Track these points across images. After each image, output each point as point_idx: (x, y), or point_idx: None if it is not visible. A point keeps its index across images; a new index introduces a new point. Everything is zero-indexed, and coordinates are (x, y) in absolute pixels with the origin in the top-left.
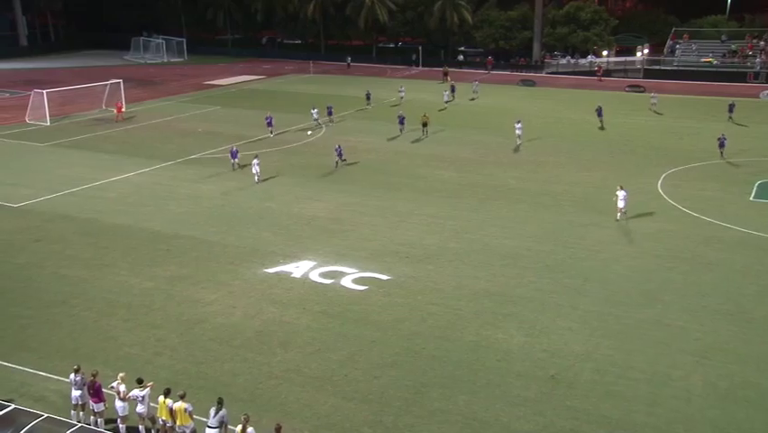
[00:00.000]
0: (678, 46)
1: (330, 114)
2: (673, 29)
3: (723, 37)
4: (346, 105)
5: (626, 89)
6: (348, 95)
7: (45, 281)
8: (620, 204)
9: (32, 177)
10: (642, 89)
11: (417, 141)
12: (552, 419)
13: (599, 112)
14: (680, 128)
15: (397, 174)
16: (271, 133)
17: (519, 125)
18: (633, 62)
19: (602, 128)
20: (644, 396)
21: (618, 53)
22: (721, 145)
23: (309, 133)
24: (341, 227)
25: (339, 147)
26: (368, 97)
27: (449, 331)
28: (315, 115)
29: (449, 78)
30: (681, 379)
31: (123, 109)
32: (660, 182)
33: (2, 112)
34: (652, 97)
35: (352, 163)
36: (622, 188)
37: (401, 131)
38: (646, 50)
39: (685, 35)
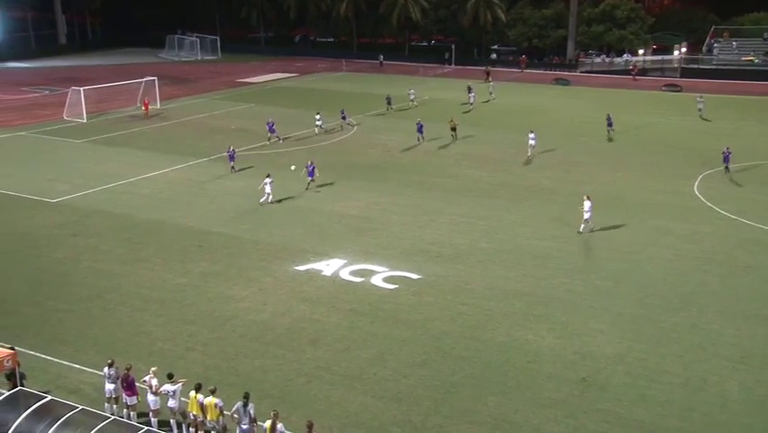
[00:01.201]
0: (717, 44)
1: (344, 117)
2: (713, 27)
3: (766, 35)
4: (378, 105)
5: (663, 89)
6: (380, 93)
7: (81, 276)
8: (585, 215)
9: (69, 173)
10: (679, 89)
11: (449, 141)
12: (582, 422)
13: (609, 121)
14: (717, 129)
15: (428, 173)
16: (271, 138)
17: (533, 136)
18: (670, 61)
19: (611, 140)
20: (678, 401)
21: (655, 52)
22: (725, 160)
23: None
24: (371, 226)
25: (311, 164)
26: (388, 102)
27: (479, 331)
28: (318, 121)
29: (491, 78)
30: (717, 384)
31: (150, 107)
32: (696, 183)
33: (41, 109)
34: (698, 101)
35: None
36: (588, 199)
37: (419, 140)
38: (684, 49)
39: (725, 33)
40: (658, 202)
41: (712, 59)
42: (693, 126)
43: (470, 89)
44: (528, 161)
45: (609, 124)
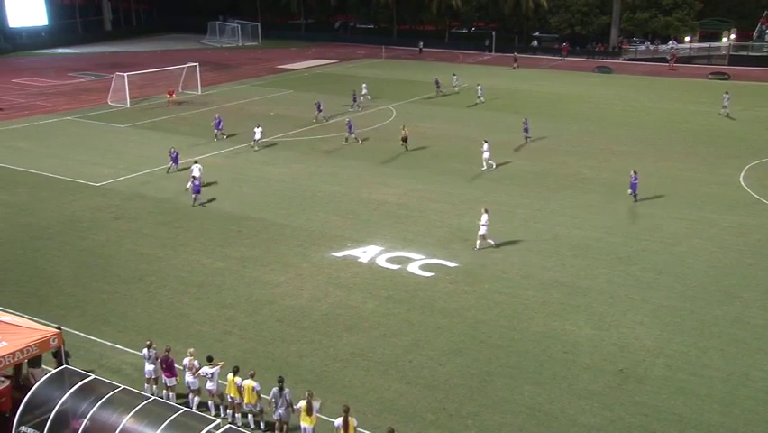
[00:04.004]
0: None
1: (319, 110)
2: (765, 12)
3: None
4: (417, 91)
5: (709, 77)
6: (418, 80)
7: (123, 258)
8: (482, 230)
9: (113, 157)
10: (726, 77)
11: (487, 127)
12: (619, 415)
13: (525, 127)
14: (766, 118)
15: (466, 161)
16: (216, 137)
17: (486, 147)
18: (717, 48)
19: (517, 149)
20: (720, 395)
21: (702, 39)
22: (632, 187)
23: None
24: (408, 213)
25: (197, 181)
26: (354, 99)
27: (515, 321)
28: (258, 135)
29: (517, 65)
30: (761, 379)
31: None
32: (742, 174)
33: (87, 94)
34: (724, 98)
35: (420, 148)
36: (486, 212)
37: (347, 139)
38: (733, 36)
39: None
40: (702, 193)
41: (763, 45)
42: (739, 116)
43: (437, 83)
44: (479, 176)
45: (525, 130)
